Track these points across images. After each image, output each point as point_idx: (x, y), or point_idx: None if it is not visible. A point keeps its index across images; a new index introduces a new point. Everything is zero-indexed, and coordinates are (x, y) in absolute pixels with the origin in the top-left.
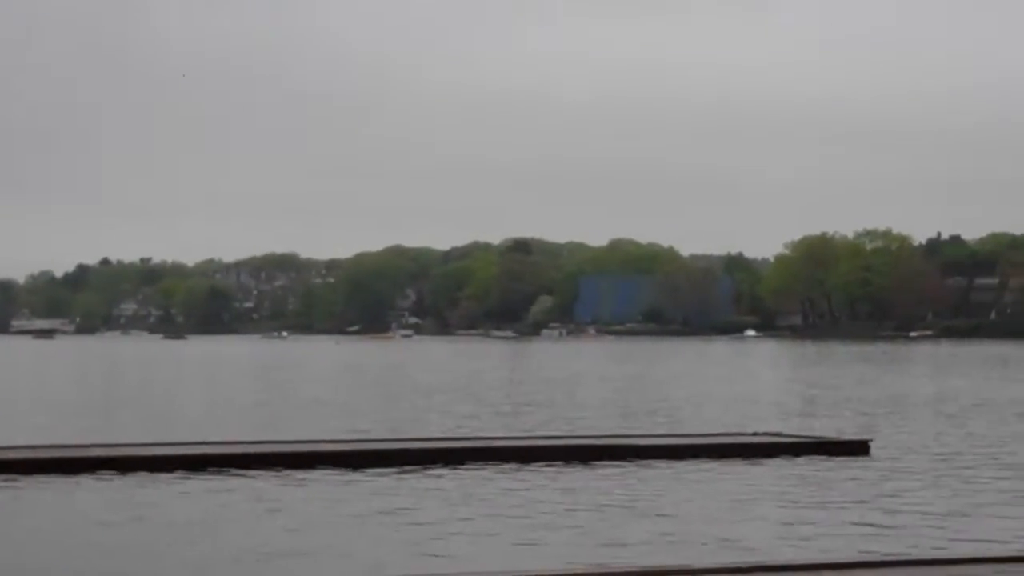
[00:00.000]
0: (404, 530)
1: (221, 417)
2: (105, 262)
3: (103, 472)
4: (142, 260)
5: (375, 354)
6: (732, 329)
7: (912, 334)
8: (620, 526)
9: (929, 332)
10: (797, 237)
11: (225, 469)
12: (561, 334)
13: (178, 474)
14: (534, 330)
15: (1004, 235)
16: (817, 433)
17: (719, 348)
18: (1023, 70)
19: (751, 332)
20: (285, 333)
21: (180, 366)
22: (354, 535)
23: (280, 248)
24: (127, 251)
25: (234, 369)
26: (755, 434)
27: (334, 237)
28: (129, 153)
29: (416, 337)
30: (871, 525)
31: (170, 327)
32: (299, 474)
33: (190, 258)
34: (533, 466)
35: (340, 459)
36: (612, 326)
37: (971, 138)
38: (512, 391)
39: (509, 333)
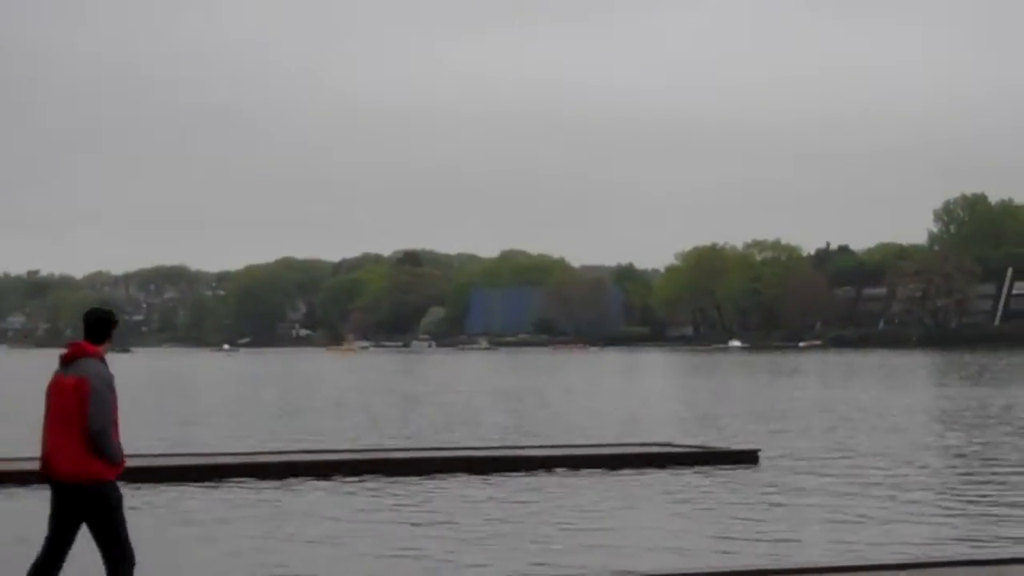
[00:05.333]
0: (268, 542)
1: None
2: None
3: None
4: (29, 273)
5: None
6: (623, 340)
7: (801, 344)
8: (507, 535)
9: (818, 342)
10: (687, 248)
11: None
12: (430, 345)
13: None
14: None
15: (892, 245)
16: (707, 443)
17: (611, 359)
18: (904, 90)
19: (735, 343)
20: (227, 346)
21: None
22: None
23: (169, 260)
24: (14, 264)
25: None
26: (644, 444)
27: (223, 249)
28: (15, 165)
29: (373, 349)
30: (759, 533)
31: (58, 340)
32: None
33: (78, 271)
34: (425, 478)
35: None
36: (503, 337)
37: (858, 151)
38: (406, 404)
39: (399, 344)
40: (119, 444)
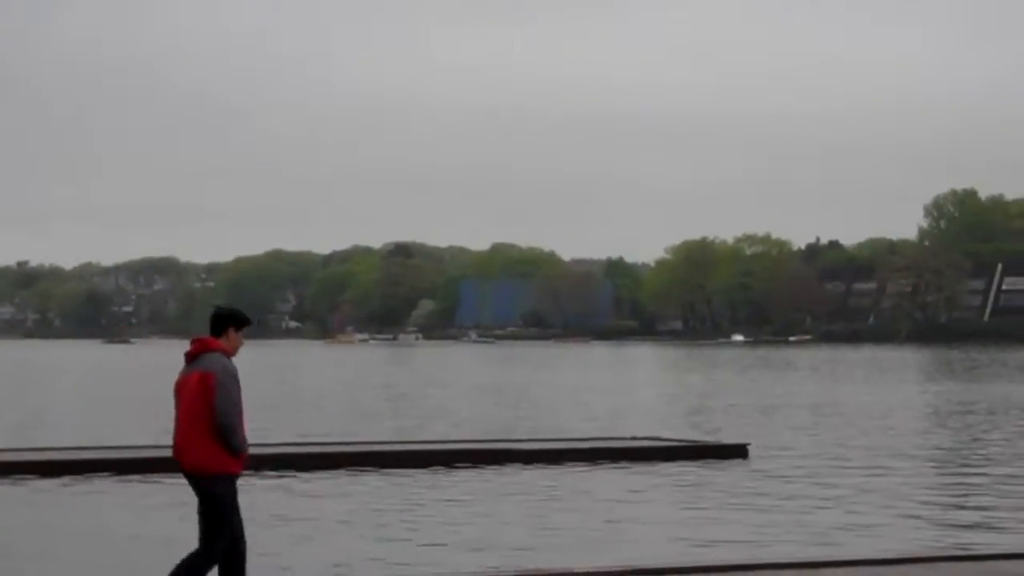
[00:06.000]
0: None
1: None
2: None
3: None
4: (19, 263)
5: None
6: (612, 333)
7: (791, 339)
8: (498, 529)
9: (808, 337)
10: (678, 242)
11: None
12: (417, 337)
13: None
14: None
15: (882, 240)
16: (697, 437)
17: (603, 353)
18: (896, 86)
19: (739, 337)
20: None
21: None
22: None
23: (159, 252)
24: (3, 255)
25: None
26: (634, 438)
27: (213, 241)
28: (4, 156)
29: (372, 342)
30: (746, 527)
31: (47, 331)
32: None
33: (68, 261)
34: (414, 470)
35: None
36: (493, 330)
37: (848, 146)
38: (396, 396)
39: (388, 336)
40: (244, 436)
